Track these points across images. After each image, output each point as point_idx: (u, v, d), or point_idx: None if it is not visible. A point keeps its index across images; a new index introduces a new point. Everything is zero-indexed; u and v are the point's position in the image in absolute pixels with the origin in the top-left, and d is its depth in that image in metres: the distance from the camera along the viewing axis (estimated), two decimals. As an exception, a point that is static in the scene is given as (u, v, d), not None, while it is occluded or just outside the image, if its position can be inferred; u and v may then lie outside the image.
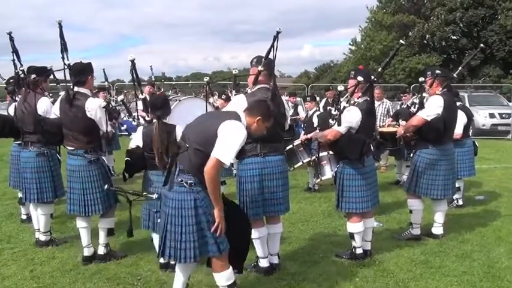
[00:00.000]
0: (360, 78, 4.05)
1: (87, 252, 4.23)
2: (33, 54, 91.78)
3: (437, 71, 4.68)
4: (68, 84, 4.11)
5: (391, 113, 7.92)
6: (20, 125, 4.60)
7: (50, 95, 4.69)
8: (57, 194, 4.74)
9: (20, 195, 5.37)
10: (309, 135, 6.55)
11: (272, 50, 3.75)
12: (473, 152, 6.09)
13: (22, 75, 4.66)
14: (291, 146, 6.36)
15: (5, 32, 4.54)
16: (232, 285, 3.08)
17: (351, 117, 4.02)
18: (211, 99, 5.39)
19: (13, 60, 4.66)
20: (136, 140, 3.90)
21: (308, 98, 7.71)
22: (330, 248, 4.55)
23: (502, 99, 17.30)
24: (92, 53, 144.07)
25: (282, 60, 79.55)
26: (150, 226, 3.89)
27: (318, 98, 8.72)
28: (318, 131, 4.39)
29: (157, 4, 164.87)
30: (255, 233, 3.75)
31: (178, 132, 3.73)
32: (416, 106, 4.76)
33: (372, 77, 4.21)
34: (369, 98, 4.16)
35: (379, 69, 4.57)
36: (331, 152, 4.88)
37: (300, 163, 6.42)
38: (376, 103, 6.84)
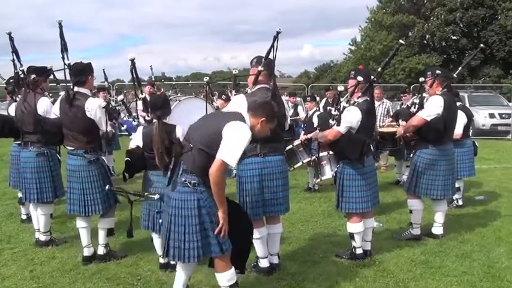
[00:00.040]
0: (359, 78, 4.05)
1: (87, 252, 4.23)
2: (33, 54, 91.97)
3: (438, 71, 4.68)
4: (68, 84, 4.11)
5: (391, 113, 7.92)
6: (19, 125, 4.60)
7: (50, 95, 4.70)
8: (57, 194, 4.74)
9: (20, 195, 5.37)
10: (309, 136, 6.55)
11: (272, 50, 3.75)
12: (473, 152, 6.10)
13: (22, 75, 4.66)
14: (291, 146, 6.36)
15: (5, 32, 4.55)
16: (234, 285, 3.08)
17: (351, 117, 4.02)
18: (215, 104, 5.40)
19: (13, 60, 4.67)
20: (136, 139, 3.89)
21: (308, 98, 7.71)
22: (330, 248, 4.55)
23: (502, 99, 17.31)
24: (92, 53, 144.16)
25: (282, 60, 79.61)
26: (149, 226, 3.88)
27: (318, 98, 8.71)
28: (318, 131, 4.39)
29: (157, 4, 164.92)
30: (255, 233, 3.73)
31: (178, 132, 3.74)
32: (417, 106, 4.76)
33: (372, 77, 4.22)
34: (369, 98, 4.16)
35: (379, 69, 4.57)
36: (331, 152, 4.88)
37: (300, 163, 6.42)
38: (376, 103, 6.83)
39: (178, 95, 7.46)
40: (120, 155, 7.38)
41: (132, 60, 4.03)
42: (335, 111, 4.11)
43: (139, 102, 4.28)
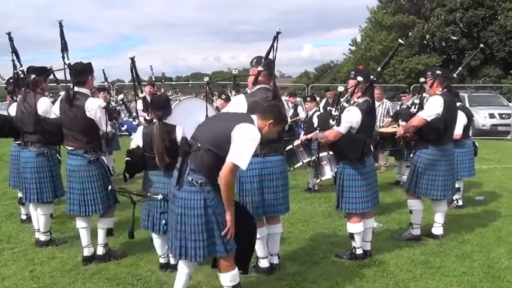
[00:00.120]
0: (359, 79, 4.05)
1: (87, 252, 4.23)
2: (33, 54, 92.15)
3: (438, 72, 4.68)
4: (68, 84, 4.11)
5: (391, 113, 7.92)
6: (19, 125, 4.60)
7: (50, 95, 4.70)
8: (57, 194, 4.74)
9: (19, 195, 5.37)
10: (309, 136, 6.54)
11: (272, 50, 3.75)
12: (473, 153, 6.09)
13: (22, 75, 4.66)
14: (291, 146, 6.37)
15: (5, 32, 4.55)
16: (236, 286, 3.09)
17: (351, 117, 4.02)
18: (215, 104, 5.39)
19: (13, 61, 4.66)
20: (136, 139, 3.90)
21: (308, 98, 7.70)
22: (330, 249, 4.55)
23: (502, 99, 17.31)
24: (92, 53, 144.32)
25: (282, 61, 79.84)
26: (149, 226, 3.88)
27: (318, 98, 8.71)
28: (318, 131, 4.39)
29: (157, 4, 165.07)
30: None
31: (178, 133, 3.74)
32: (417, 106, 4.76)
33: (371, 77, 4.21)
34: (369, 98, 4.16)
35: (378, 69, 4.57)
36: (331, 152, 4.88)
37: (300, 163, 6.42)
38: (376, 103, 6.83)
39: (178, 95, 7.44)
40: (120, 155, 7.38)
41: (132, 59, 4.03)
42: (335, 111, 4.11)
43: (139, 102, 4.28)
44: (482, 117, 15.09)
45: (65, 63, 4.11)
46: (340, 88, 4.33)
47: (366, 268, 4.06)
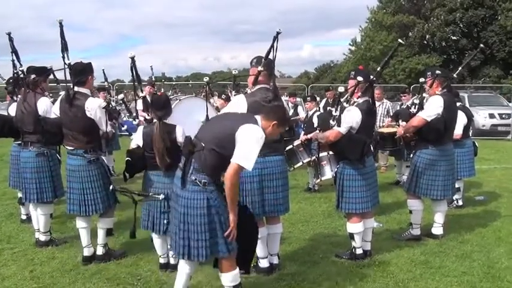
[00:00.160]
0: (359, 79, 4.05)
1: (87, 252, 4.23)
2: (32, 54, 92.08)
3: (438, 72, 4.68)
4: (68, 84, 4.11)
5: (391, 114, 7.92)
6: (19, 125, 4.60)
7: (50, 95, 4.70)
8: (57, 194, 4.74)
9: (19, 195, 5.37)
10: (309, 136, 6.54)
11: (272, 50, 3.75)
12: (473, 153, 6.09)
13: (22, 75, 4.66)
14: (291, 146, 6.36)
15: (5, 32, 4.55)
16: (237, 286, 3.10)
17: (351, 117, 4.02)
18: (212, 100, 5.39)
19: (13, 61, 4.66)
20: (136, 139, 3.90)
21: (308, 98, 7.71)
22: (330, 249, 4.55)
23: (502, 99, 17.31)
24: (92, 53, 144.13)
25: (282, 61, 79.76)
26: (149, 226, 3.88)
27: (318, 99, 8.71)
28: (318, 131, 4.39)
29: (157, 4, 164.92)
30: (255, 234, 3.75)
31: (178, 133, 3.74)
32: (417, 107, 4.76)
33: (371, 77, 4.22)
34: (369, 98, 4.16)
35: (378, 69, 4.57)
36: (331, 152, 4.88)
37: (300, 163, 6.42)
38: (376, 103, 6.84)
39: (178, 95, 7.45)
40: (120, 155, 7.39)
41: (132, 58, 4.03)
42: (335, 111, 4.11)
43: (139, 102, 4.28)
44: (482, 117, 15.09)
45: (65, 63, 4.11)
46: (341, 89, 4.34)
47: (366, 268, 4.06)
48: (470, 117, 6.08)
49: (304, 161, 6.42)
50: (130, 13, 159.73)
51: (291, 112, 8.22)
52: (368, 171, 4.15)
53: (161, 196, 3.70)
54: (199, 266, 3.40)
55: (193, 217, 2.92)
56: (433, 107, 4.48)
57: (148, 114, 3.98)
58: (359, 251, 4.23)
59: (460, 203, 6.14)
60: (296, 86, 29.55)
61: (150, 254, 4.26)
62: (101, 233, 4.24)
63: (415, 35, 29.41)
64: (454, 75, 5.31)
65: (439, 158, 4.59)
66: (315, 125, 5.85)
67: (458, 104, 5.47)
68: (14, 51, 4.61)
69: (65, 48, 4.10)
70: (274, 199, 3.80)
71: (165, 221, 3.72)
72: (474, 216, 5.72)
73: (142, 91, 4.31)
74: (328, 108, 4.53)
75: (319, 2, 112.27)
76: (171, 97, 5.61)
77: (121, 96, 4.69)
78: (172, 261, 3.98)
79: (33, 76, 4.53)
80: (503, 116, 15.41)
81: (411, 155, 4.93)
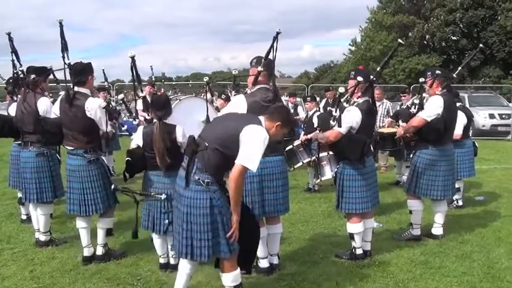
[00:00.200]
0: (359, 79, 4.05)
1: (87, 252, 4.23)
2: (32, 54, 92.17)
3: (437, 72, 4.68)
4: (68, 84, 4.11)
5: (391, 114, 7.92)
6: (19, 125, 4.60)
7: (50, 95, 4.70)
8: (57, 194, 4.74)
9: (19, 195, 5.36)
10: (309, 136, 6.54)
11: (272, 50, 3.75)
12: (473, 153, 6.09)
13: (22, 75, 4.66)
14: (291, 146, 6.36)
15: (5, 32, 4.55)
16: (238, 286, 3.10)
17: (351, 117, 4.02)
18: (214, 103, 5.40)
19: (12, 61, 4.66)
20: (136, 139, 3.90)
21: (308, 99, 7.70)
22: (330, 249, 4.55)
23: (502, 99, 17.32)
24: (92, 53, 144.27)
25: (282, 61, 79.85)
26: (149, 226, 3.88)
27: (318, 99, 8.71)
28: (318, 131, 4.39)
29: (157, 4, 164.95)
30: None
31: (178, 133, 3.74)
32: (417, 107, 4.76)
33: (371, 77, 4.22)
34: (369, 98, 4.16)
35: (378, 69, 4.57)
36: (331, 153, 4.88)
37: (300, 163, 6.42)
38: (376, 103, 6.84)
39: (178, 95, 7.45)
40: (120, 155, 7.39)
41: (133, 58, 4.03)
42: (336, 112, 4.11)
43: (139, 102, 4.28)
44: (482, 118, 15.09)
45: (65, 63, 4.11)
46: (341, 89, 4.33)
47: (366, 268, 4.06)
48: (470, 117, 6.08)
49: (304, 161, 6.42)
50: (130, 13, 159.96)
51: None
52: (368, 171, 4.15)
53: (163, 196, 3.71)
54: (199, 266, 3.40)
55: (196, 217, 2.93)
56: (433, 107, 4.48)
57: (148, 114, 3.98)
58: (359, 251, 4.23)
59: (460, 203, 6.14)
60: (296, 86, 29.56)
61: (150, 254, 4.26)
62: (100, 233, 4.24)
63: (415, 35, 29.42)
64: (454, 75, 5.31)
65: (439, 158, 4.59)
66: (315, 125, 5.84)
67: (458, 104, 5.47)
68: (14, 51, 4.61)
69: (65, 48, 4.10)
70: (274, 199, 3.80)
71: (167, 221, 3.72)
72: (474, 217, 5.72)
73: (142, 91, 4.31)
74: (328, 108, 4.53)
75: (319, 2, 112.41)
76: (171, 97, 5.61)
77: (121, 96, 4.69)
78: (172, 261, 3.98)
79: (33, 76, 4.53)
80: (503, 116, 15.40)
81: (411, 155, 4.93)
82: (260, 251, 3.88)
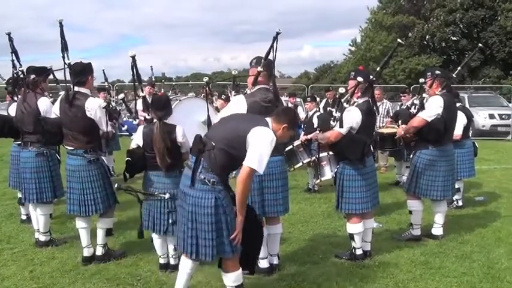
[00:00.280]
0: (359, 79, 4.05)
1: (86, 252, 4.23)
2: (32, 54, 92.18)
3: (437, 72, 4.68)
4: (68, 84, 4.12)
5: (391, 114, 7.92)
6: (19, 125, 4.60)
7: (50, 95, 4.70)
8: (57, 194, 4.74)
9: (19, 195, 5.37)
10: (309, 136, 6.54)
11: (272, 50, 3.76)
12: (473, 153, 6.09)
13: (21, 76, 4.66)
14: (290, 146, 6.36)
15: (5, 32, 4.55)
16: (239, 286, 3.10)
17: (351, 117, 4.02)
18: (214, 104, 5.39)
19: (12, 61, 4.66)
20: (136, 139, 3.90)
21: (308, 99, 7.70)
22: (330, 249, 4.55)
23: (502, 100, 17.32)
24: (92, 53, 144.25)
25: (282, 61, 79.87)
26: (150, 226, 3.88)
27: (318, 99, 8.71)
28: (318, 131, 4.39)
29: (157, 5, 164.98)
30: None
31: (178, 133, 3.74)
32: (417, 107, 4.76)
33: (371, 77, 4.22)
34: (369, 98, 4.16)
35: (377, 69, 4.57)
36: (331, 153, 4.88)
37: (300, 164, 6.41)
38: (377, 104, 6.84)
39: (178, 95, 7.45)
40: (120, 155, 7.39)
41: (133, 57, 4.03)
42: (336, 112, 4.11)
43: (139, 102, 4.28)
44: (482, 118, 15.09)
45: (65, 63, 4.11)
46: (341, 90, 4.33)
47: (366, 268, 4.06)
48: (470, 117, 6.08)
49: (304, 162, 6.41)
50: (130, 13, 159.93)
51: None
52: (368, 171, 4.15)
53: (167, 195, 3.70)
54: (199, 265, 3.39)
55: (201, 216, 2.93)
56: (433, 107, 4.48)
57: (148, 114, 3.98)
58: (359, 252, 4.23)
59: (460, 203, 6.14)
60: (296, 86, 29.52)
61: (150, 254, 4.26)
62: (100, 233, 4.24)
63: (415, 35, 29.42)
64: (454, 76, 5.31)
65: (439, 158, 4.59)
66: (315, 125, 5.84)
67: (458, 104, 5.48)
68: (14, 52, 4.61)
69: (65, 48, 4.10)
70: (274, 199, 3.80)
71: (170, 221, 3.73)
72: (474, 217, 5.72)
73: (142, 91, 4.30)
74: (328, 108, 4.53)
75: (319, 3, 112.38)
76: (171, 97, 5.61)
77: (121, 96, 4.69)
78: (172, 261, 3.98)
79: (33, 76, 4.53)
80: (503, 116, 15.41)
81: (411, 156, 4.93)
82: (260, 252, 3.88)
